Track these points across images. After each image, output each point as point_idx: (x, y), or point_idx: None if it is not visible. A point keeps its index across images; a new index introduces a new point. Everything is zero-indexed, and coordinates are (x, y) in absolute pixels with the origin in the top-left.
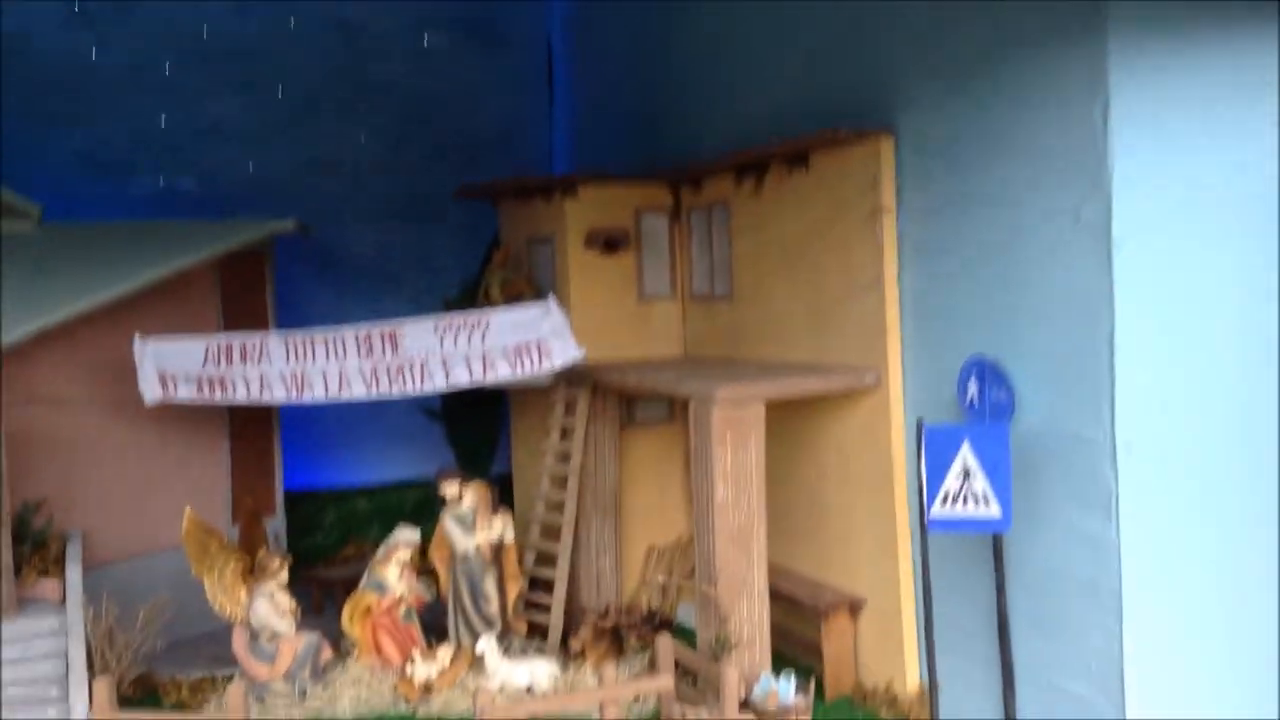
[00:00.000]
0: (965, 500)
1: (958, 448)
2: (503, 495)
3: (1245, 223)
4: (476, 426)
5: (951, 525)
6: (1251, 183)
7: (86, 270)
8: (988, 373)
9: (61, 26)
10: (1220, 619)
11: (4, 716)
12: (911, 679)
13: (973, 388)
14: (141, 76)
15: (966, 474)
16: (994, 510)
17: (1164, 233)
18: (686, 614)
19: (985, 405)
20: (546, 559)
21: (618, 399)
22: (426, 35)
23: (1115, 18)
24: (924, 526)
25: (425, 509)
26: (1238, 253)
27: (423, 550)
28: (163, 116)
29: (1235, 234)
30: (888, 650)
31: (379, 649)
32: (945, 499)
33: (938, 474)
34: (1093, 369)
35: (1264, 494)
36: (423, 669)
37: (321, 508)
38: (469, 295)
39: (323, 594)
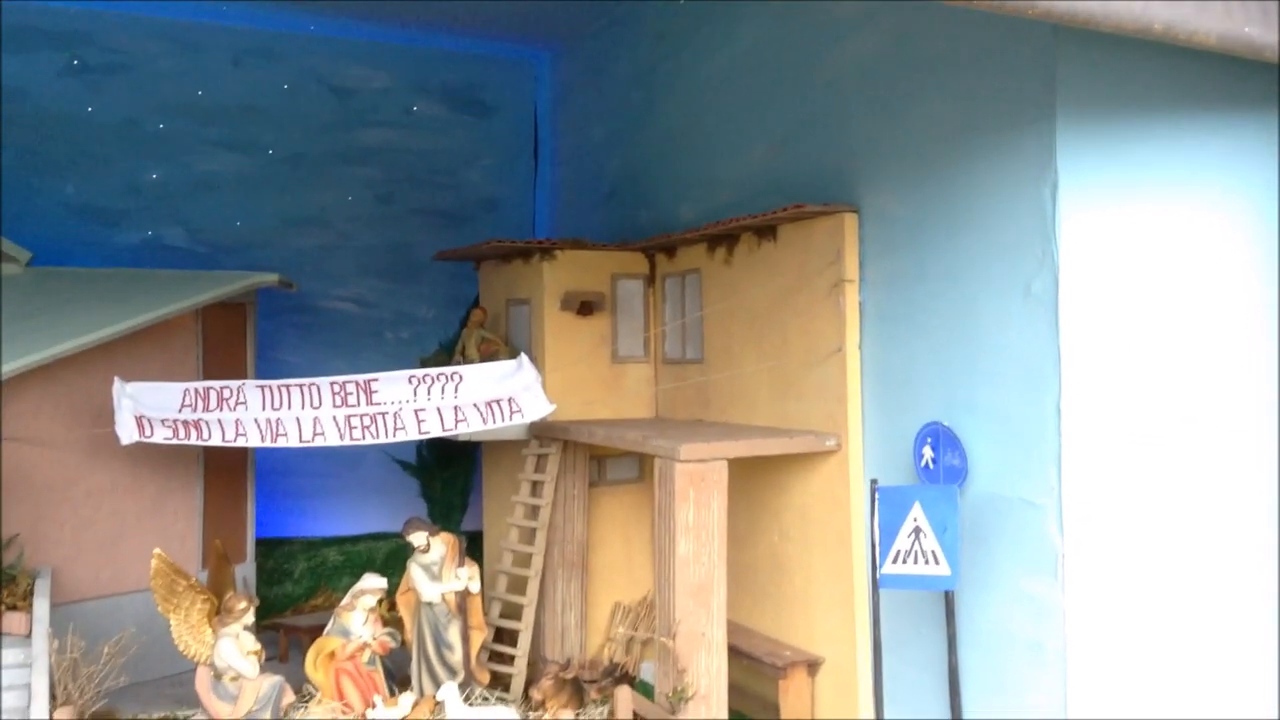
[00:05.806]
0: (916, 559)
1: (909, 508)
2: (472, 548)
3: (1185, 294)
4: (450, 481)
5: (902, 582)
6: (1191, 256)
7: (70, 314)
8: (942, 438)
9: (59, 80)
10: (1163, 682)
11: None
12: None
13: (928, 452)
14: (135, 131)
15: (917, 533)
16: (943, 569)
17: (1108, 305)
18: (649, 671)
19: (939, 469)
20: (512, 611)
21: (588, 457)
22: (416, 102)
23: (1064, 104)
24: (876, 584)
25: (397, 561)
26: (1179, 323)
27: (390, 598)
28: (154, 170)
29: (1176, 306)
30: (844, 708)
31: (341, 694)
32: (896, 557)
33: (890, 533)
34: (1040, 435)
35: (1207, 558)
36: (384, 714)
37: (292, 557)
38: (445, 353)
39: (290, 642)
